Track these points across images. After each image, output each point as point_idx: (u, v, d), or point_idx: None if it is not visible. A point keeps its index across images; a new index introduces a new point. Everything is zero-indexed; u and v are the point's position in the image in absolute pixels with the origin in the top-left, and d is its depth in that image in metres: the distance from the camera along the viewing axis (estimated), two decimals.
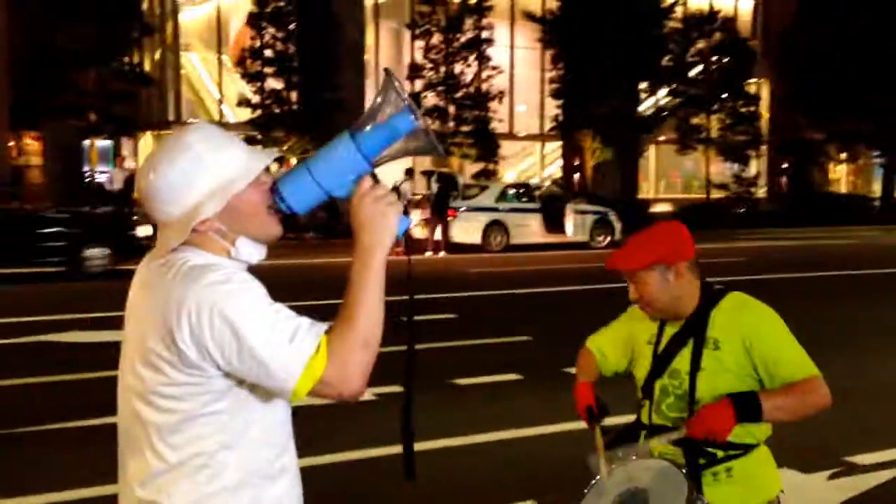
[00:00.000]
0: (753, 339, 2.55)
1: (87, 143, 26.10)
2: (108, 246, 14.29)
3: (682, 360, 2.63)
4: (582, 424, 2.77)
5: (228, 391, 1.75)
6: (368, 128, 1.77)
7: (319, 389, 1.69)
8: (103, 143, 28.27)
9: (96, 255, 14.15)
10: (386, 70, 1.84)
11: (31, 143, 27.33)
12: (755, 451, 2.61)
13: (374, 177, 1.80)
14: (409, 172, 20.83)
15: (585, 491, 2.58)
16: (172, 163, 1.76)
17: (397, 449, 1.93)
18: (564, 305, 12.20)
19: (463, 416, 6.51)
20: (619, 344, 2.89)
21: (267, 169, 1.83)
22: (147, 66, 33.58)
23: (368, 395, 5.89)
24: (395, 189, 14.40)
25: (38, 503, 4.87)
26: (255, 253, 1.85)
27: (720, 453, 2.55)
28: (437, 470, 5.35)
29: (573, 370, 2.91)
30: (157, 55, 35.82)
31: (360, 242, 1.77)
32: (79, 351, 8.58)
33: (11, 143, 26.24)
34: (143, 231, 14.63)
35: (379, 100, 1.78)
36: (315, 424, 5.74)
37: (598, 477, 2.58)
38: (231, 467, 1.77)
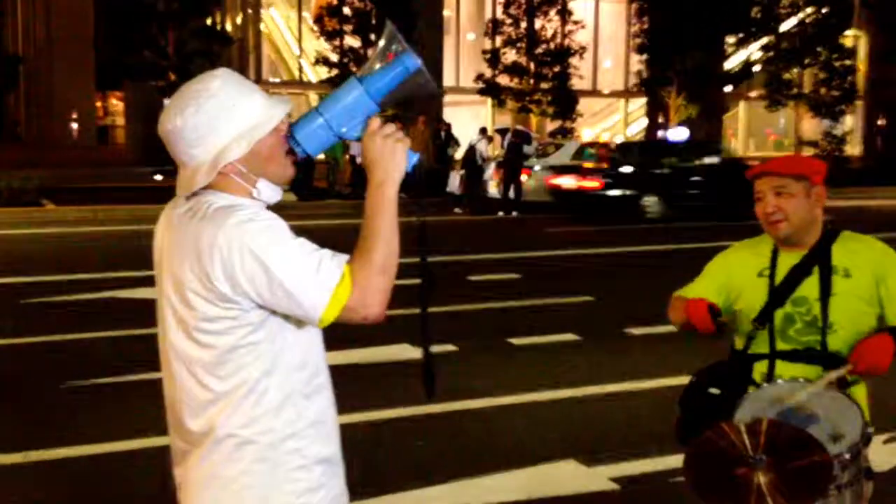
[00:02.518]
0: (885, 274, 2.72)
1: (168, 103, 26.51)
2: None
3: (810, 288, 2.72)
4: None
5: (263, 323, 1.88)
6: (375, 70, 1.91)
7: (344, 315, 1.83)
8: None
9: None
10: (385, 20, 2.01)
11: (116, 104, 27.99)
12: (863, 383, 2.77)
13: (383, 116, 1.94)
14: (484, 131, 20.53)
15: (736, 408, 2.59)
16: (199, 108, 1.87)
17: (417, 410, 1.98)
18: (630, 266, 11.92)
19: (516, 376, 6.41)
20: (712, 291, 2.87)
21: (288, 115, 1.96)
22: (228, 26, 33.96)
23: None
24: (471, 148, 14.25)
25: (84, 453, 4.93)
26: (273, 194, 1.98)
27: (850, 378, 2.65)
28: (482, 428, 5.38)
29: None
30: (239, 14, 36.19)
31: (372, 178, 1.91)
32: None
33: (98, 104, 26.90)
34: None
35: (382, 44, 1.92)
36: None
37: (751, 392, 2.64)
38: (272, 390, 1.90)
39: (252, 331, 1.88)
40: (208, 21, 26.69)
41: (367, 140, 1.91)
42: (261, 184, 1.94)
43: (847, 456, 2.41)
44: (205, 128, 1.87)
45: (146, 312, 8.61)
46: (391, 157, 1.90)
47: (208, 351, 1.89)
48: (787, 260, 2.78)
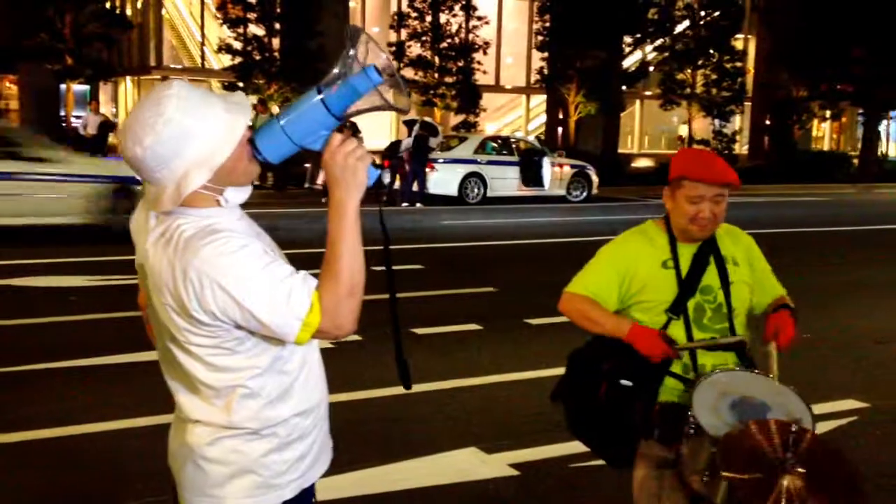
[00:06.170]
0: (753, 259, 2.98)
1: (64, 87, 25.79)
2: None
3: (711, 277, 2.86)
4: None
5: (249, 335, 1.94)
6: (335, 85, 1.86)
7: (317, 336, 1.91)
8: (80, 87, 27.95)
9: None
10: (350, 28, 1.91)
11: (10, 87, 27.03)
12: None
13: (347, 128, 1.93)
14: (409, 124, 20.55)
15: (689, 407, 2.63)
16: (157, 137, 1.84)
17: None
18: (534, 258, 12.26)
19: (420, 365, 6.56)
20: (613, 284, 2.91)
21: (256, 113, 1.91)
22: (129, 10, 33.12)
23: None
24: (398, 142, 14.08)
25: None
26: (241, 195, 2.00)
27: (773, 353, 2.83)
28: (384, 417, 5.45)
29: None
30: None
31: (333, 197, 1.91)
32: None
33: None
34: None
35: (345, 55, 1.87)
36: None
37: (701, 382, 2.68)
38: (269, 386, 2.00)
39: (238, 343, 1.95)
40: (107, 5, 26.01)
41: (328, 157, 1.90)
42: (227, 192, 1.96)
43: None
44: (166, 154, 1.86)
45: (41, 300, 8.53)
46: (352, 175, 1.89)
47: (198, 360, 1.97)
48: (687, 251, 2.87)
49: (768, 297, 2.99)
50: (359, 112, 1.90)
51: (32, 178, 11.63)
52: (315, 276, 1.93)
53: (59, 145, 13.71)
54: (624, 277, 2.89)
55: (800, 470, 2.28)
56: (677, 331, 2.82)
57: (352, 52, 1.86)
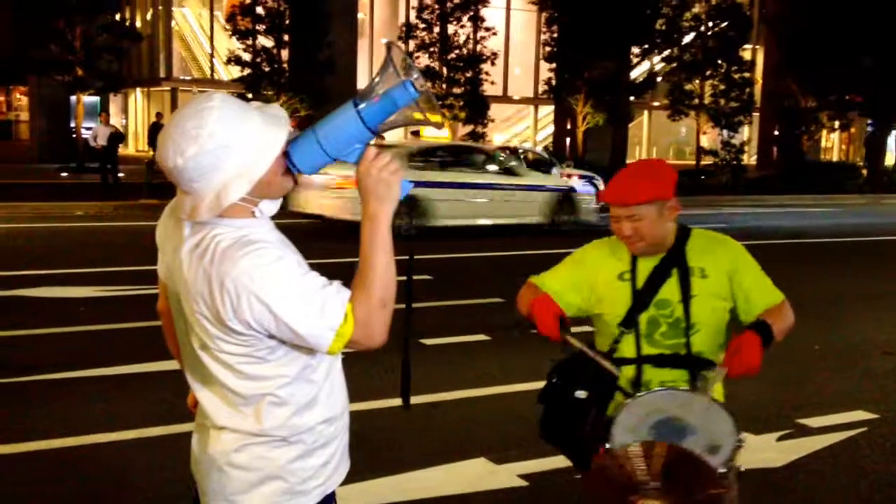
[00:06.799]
0: (736, 269, 2.79)
1: (74, 99, 25.94)
2: None
3: (671, 290, 2.77)
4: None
5: (280, 344, 1.96)
6: (371, 98, 1.88)
7: (349, 346, 1.93)
8: (90, 98, 28.10)
9: None
10: (387, 44, 1.94)
11: (20, 99, 27.19)
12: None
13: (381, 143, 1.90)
14: (416, 134, 20.83)
15: (612, 425, 2.59)
16: (200, 148, 1.86)
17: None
18: (543, 268, 12.21)
19: (429, 376, 6.57)
20: (567, 283, 2.92)
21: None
22: (138, 22, 33.31)
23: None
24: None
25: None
26: (274, 207, 2.04)
27: (710, 376, 2.68)
28: (392, 427, 5.44)
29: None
30: (150, 11, 35.52)
31: (366, 209, 1.93)
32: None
33: (1, 98, 26.12)
34: None
35: (382, 71, 1.88)
36: None
37: (630, 401, 2.63)
38: (297, 394, 2.03)
39: (270, 352, 1.97)
40: (117, 16, 26.18)
41: (362, 170, 1.92)
42: (262, 204, 1.99)
43: (723, 470, 2.45)
44: (207, 166, 1.87)
45: (50, 311, 8.57)
46: (386, 190, 1.92)
47: (229, 368, 1.99)
48: (646, 263, 2.80)
49: (756, 308, 2.77)
50: (394, 126, 1.92)
51: (510, 188, 15.54)
52: (347, 286, 1.95)
53: (523, 163, 18.47)
54: (582, 284, 2.90)
55: (655, 488, 2.23)
56: (628, 345, 2.80)
57: (391, 66, 1.87)
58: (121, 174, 21.14)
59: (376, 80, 1.88)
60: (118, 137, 21.42)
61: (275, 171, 1.93)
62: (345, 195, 13.31)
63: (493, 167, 15.87)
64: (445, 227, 14.64)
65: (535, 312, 2.75)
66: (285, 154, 1.93)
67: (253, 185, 1.90)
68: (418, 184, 13.69)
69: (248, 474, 2.05)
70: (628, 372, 2.80)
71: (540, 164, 20.83)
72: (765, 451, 5.15)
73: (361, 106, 1.87)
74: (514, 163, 16.81)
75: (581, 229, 15.20)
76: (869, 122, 35.85)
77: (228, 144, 1.87)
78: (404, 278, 2.02)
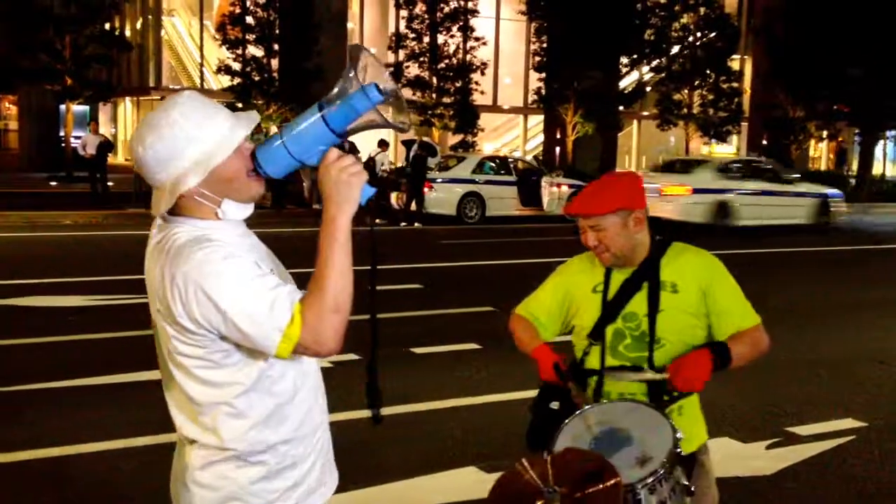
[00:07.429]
0: (710, 287, 2.75)
1: (64, 108, 25.87)
2: None
3: (639, 303, 2.76)
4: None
5: (236, 348, 1.93)
6: (336, 102, 1.88)
7: (298, 351, 1.87)
8: (80, 108, 28.05)
9: None
10: (351, 46, 1.94)
11: (10, 108, 27.11)
12: (696, 394, 2.78)
13: (346, 146, 1.91)
14: (383, 144, 20.78)
15: (558, 432, 2.60)
16: (160, 137, 1.90)
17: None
18: (533, 277, 12.22)
19: (420, 384, 6.57)
20: (553, 309, 2.95)
21: (252, 132, 1.98)
22: (128, 32, 33.27)
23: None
24: (370, 160, 14.26)
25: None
26: (240, 212, 2.01)
27: (676, 392, 2.67)
28: (382, 436, 5.35)
29: None
30: (139, 20, 35.49)
31: (326, 212, 1.89)
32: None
33: None
34: None
35: (347, 72, 1.88)
36: None
37: (583, 410, 2.65)
38: (256, 406, 1.98)
39: (225, 355, 1.93)
40: (107, 26, 26.15)
41: (323, 171, 1.89)
42: (225, 204, 1.97)
43: (650, 480, 2.35)
44: (165, 156, 1.90)
45: (39, 320, 8.55)
46: (346, 191, 1.88)
47: (186, 371, 1.97)
48: (619, 276, 2.81)
49: (727, 328, 2.73)
50: (359, 129, 1.90)
51: (782, 194, 18.82)
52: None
53: (793, 172, 21.73)
54: (564, 301, 2.93)
55: (559, 492, 2.19)
56: (594, 356, 2.82)
57: (352, 70, 1.87)
58: (110, 183, 21.09)
59: (339, 84, 1.89)
60: (107, 146, 21.36)
61: (238, 168, 1.94)
62: None
63: (771, 177, 19.02)
64: (745, 227, 17.72)
65: (536, 359, 2.81)
66: (252, 156, 1.94)
67: (209, 174, 1.90)
68: (729, 191, 17.84)
69: (211, 493, 2.01)
70: (593, 383, 2.82)
71: (530, 173, 20.89)
72: (754, 458, 5.14)
73: (326, 110, 1.88)
74: (786, 175, 19.88)
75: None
76: (857, 131, 36.02)
77: (188, 135, 1.90)
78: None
